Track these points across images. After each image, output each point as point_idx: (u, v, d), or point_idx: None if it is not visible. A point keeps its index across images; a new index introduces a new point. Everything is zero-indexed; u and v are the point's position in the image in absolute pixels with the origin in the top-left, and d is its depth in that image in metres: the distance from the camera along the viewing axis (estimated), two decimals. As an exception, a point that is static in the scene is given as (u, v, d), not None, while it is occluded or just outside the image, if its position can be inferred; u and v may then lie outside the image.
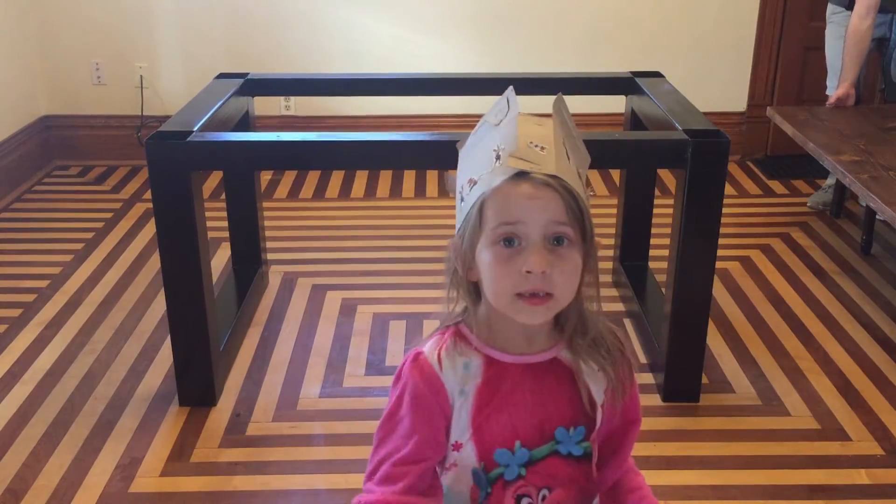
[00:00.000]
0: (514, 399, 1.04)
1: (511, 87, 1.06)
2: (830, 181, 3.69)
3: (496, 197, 0.97)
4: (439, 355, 1.04)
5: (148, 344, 2.65)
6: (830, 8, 3.47)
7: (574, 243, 0.98)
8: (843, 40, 3.27)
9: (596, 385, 1.07)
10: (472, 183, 1.01)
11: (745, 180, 4.07)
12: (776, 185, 3.99)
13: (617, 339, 1.09)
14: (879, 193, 2.35)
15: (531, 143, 0.98)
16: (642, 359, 2.54)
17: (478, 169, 1.02)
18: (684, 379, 2.35)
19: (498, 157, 0.98)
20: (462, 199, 1.03)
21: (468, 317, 1.06)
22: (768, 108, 3.29)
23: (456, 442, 1.05)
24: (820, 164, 2.73)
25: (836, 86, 3.31)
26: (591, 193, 1.08)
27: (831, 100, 3.19)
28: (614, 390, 1.07)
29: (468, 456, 1.04)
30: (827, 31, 3.49)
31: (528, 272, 0.96)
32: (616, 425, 1.11)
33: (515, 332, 1.03)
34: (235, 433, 2.23)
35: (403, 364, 1.07)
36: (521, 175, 0.96)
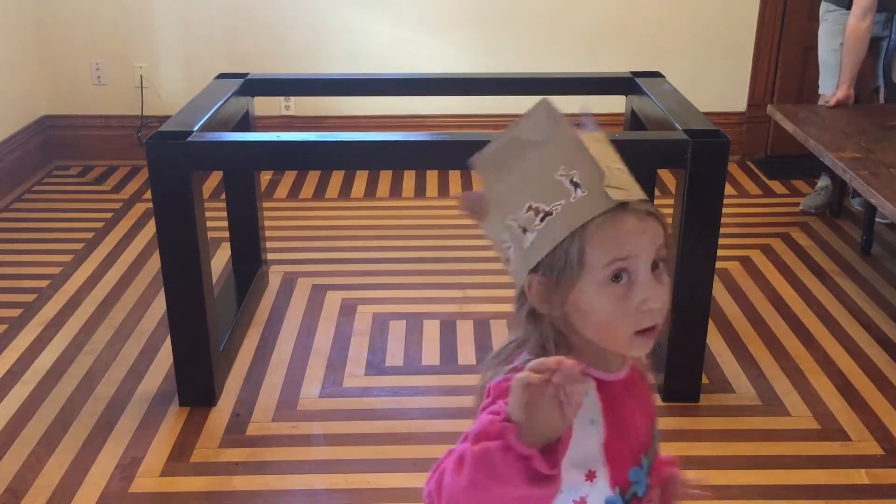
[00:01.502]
0: (631, 416, 1.00)
1: (545, 99, 0.97)
2: (822, 183, 3.69)
3: (602, 234, 0.89)
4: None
5: (148, 344, 2.65)
6: (824, 6, 3.47)
7: (668, 262, 0.95)
8: (837, 39, 3.28)
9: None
10: (540, 213, 0.91)
11: (745, 180, 4.07)
12: (776, 185, 3.99)
13: None
14: (880, 190, 2.35)
15: (610, 165, 0.92)
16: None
17: (544, 196, 0.91)
18: (684, 379, 2.35)
19: (575, 185, 0.90)
20: (524, 230, 0.92)
21: (558, 347, 0.96)
22: (769, 105, 3.29)
23: (589, 471, 0.96)
24: (819, 163, 2.73)
25: (831, 84, 3.32)
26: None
27: (831, 102, 3.19)
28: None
29: (601, 485, 0.97)
30: (820, 30, 3.49)
31: (650, 309, 0.91)
32: None
33: (600, 353, 0.97)
34: (235, 433, 2.23)
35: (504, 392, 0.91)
36: (617, 206, 0.90)
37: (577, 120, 0.97)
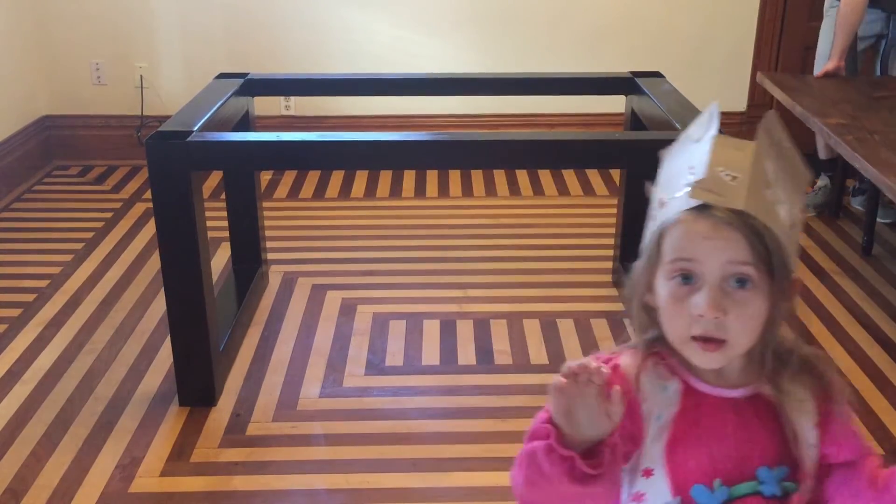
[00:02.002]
0: (715, 434, 0.97)
1: (716, 102, 0.99)
2: (821, 183, 3.69)
3: (674, 230, 0.92)
4: (639, 375, 0.99)
5: (148, 344, 2.65)
6: (828, 2, 3.47)
7: (759, 286, 0.91)
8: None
9: (806, 420, 0.99)
10: (661, 204, 0.96)
11: (745, 180, 4.06)
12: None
13: (824, 366, 1.01)
14: (864, 154, 2.37)
15: (722, 170, 0.91)
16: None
17: (668, 189, 0.96)
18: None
19: (689, 183, 0.92)
20: (652, 218, 0.97)
21: (663, 340, 0.99)
22: (758, 73, 3.31)
23: (647, 468, 0.97)
24: (819, 163, 2.74)
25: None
26: (811, 214, 1.03)
27: (820, 73, 3.22)
28: (827, 421, 1.00)
29: (660, 488, 0.97)
30: (823, 24, 3.50)
31: (700, 316, 0.91)
32: (840, 460, 1.02)
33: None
34: (235, 433, 2.23)
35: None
36: (703, 208, 0.90)
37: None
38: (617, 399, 0.90)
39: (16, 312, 2.83)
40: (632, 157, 2.32)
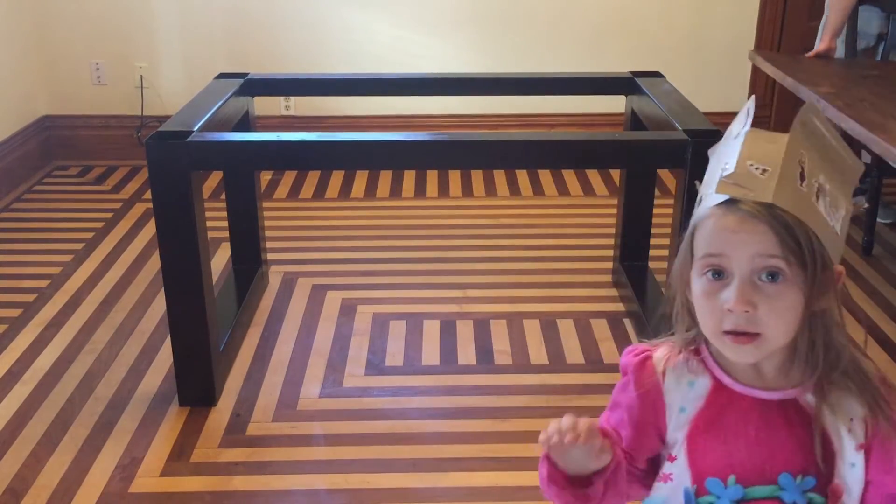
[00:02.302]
0: (735, 431, 0.98)
1: (753, 97, 0.99)
2: None
3: (704, 226, 0.93)
4: (665, 368, 1.01)
5: (148, 344, 2.65)
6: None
7: (791, 279, 0.90)
8: None
9: (849, 438, 0.97)
10: (699, 202, 0.97)
11: (745, 180, 4.06)
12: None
13: (880, 384, 0.98)
14: (853, 116, 2.41)
15: (752, 164, 0.91)
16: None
17: (705, 186, 0.97)
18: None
19: (719, 178, 0.93)
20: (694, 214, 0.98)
21: (702, 335, 1.00)
22: (749, 51, 3.32)
23: (671, 455, 1.01)
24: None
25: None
26: (862, 206, 1.01)
27: (812, 53, 3.24)
28: (877, 446, 0.97)
29: (681, 473, 1.01)
30: (822, 21, 3.50)
31: (731, 310, 0.91)
32: (890, 491, 0.99)
33: (744, 362, 0.98)
34: (235, 433, 2.23)
35: (629, 362, 1.05)
36: (732, 203, 0.91)
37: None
38: (600, 446, 0.96)
39: (16, 312, 2.83)
40: (632, 157, 2.32)
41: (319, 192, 3.95)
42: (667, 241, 2.33)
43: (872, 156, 3.31)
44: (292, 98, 4.24)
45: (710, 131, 2.18)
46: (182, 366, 2.32)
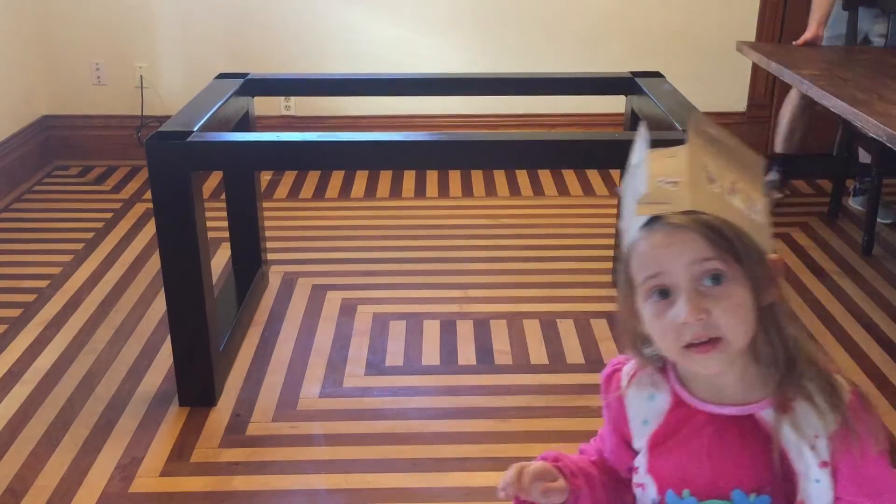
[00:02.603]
0: (689, 446, 0.99)
1: (643, 122, 1.01)
2: (771, 177, 3.68)
3: (636, 252, 0.94)
4: (630, 382, 1.04)
5: (148, 344, 2.65)
6: None
7: (733, 276, 0.90)
8: (831, 29, 3.33)
9: (812, 455, 0.95)
10: (623, 234, 0.98)
11: (745, 180, 4.06)
12: (776, 185, 3.99)
13: (845, 396, 0.96)
14: (835, 92, 2.44)
15: (661, 180, 0.93)
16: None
17: (625, 217, 0.99)
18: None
19: (635, 203, 0.94)
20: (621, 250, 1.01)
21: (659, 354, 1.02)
22: (737, 41, 3.33)
23: (636, 466, 1.05)
24: (817, 163, 2.77)
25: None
26: (775, 196, 1.02)
27: (800, 41, 3.26)
28: (844, 463, 0.96)
29: (648, 484, 1.03)
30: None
31: (685, 323, 0.91)
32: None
33: (703, 378, 0.98)
34: (235, 433, 2.23)
35: (602, 375, 1.09)
36: (654, 221, 0.92)
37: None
38: (548, 488, 1.01)
39: (16, 312, 2.83)
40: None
41: (319, 192, 3.94)
42: (667, 241, 2.34)
43: (872, 156, 3.31)
44: (292, 98, 4.24)
45: (710, 131, 2.18)
46: (182, 366, 2.32)
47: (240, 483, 2.05)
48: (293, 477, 2.07)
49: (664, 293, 0.92)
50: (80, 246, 3.34)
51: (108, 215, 3.65)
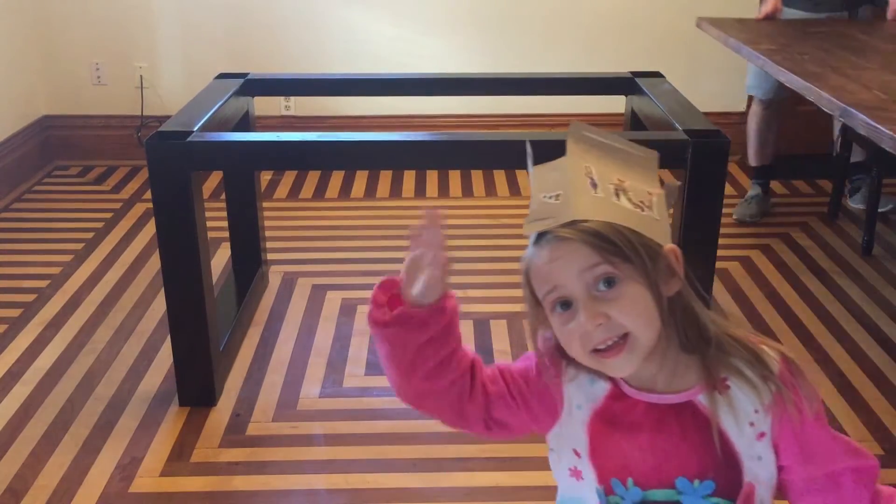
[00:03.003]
0: (629, 435, 0.99)
1: (527, 142, 1.03)
2: (753, 192, 3.66)
3: (531, 269, 0.95)
4: (571, 362, 1.01)
5: (148, 344, 2.65)
6: None
7: (625, 276, 0.91)
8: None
9: (751, 431, 0.96)
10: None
11: (745, 180, 4.07)
12: (776, 185, 3.99)
13: (772, 363, 0.97)
14: (790, 68, 2.44)
15: (544, 196, 0.95)
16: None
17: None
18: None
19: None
20: None
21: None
22: (697, 18, 3.33)
23: (576, 449, 1.02)
24: (815, 168, 2.75)
25: (759, 84, 3.41)
26: (672, 188, 1.03)
27: (760, 15, 3.28)
28: (783, 431, 0.97)
29: (588, 472, 1.01)
30: None
31: (587, 331, 0.92)
32: (805, 476, 0.99)
33: (639, 369, 0.98)
34: (235, 433, 2.23)
35: (548, 339, 1.03)
36: (542, 237, 0.94)
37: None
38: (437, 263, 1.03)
39: (16, 312, 2.83)
40: (632, 157, 2.32)
41: (319, 192, 3.94)
42: (667, 241, 2.34)
43: (870, 153, 3.31)
44: (292, 98, 4.24)
45: (710, 131, 2.18)
46: (182, 366, 2.32)
47: (240, 483, 2.05)
48: (293, 477, 2.07)
49: (565, 304, 0.94)
50: (80, 246, 3.34)
51: (108, 215, 3.65)
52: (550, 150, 1.03)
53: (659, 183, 1.00)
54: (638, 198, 0.95)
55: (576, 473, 1.03)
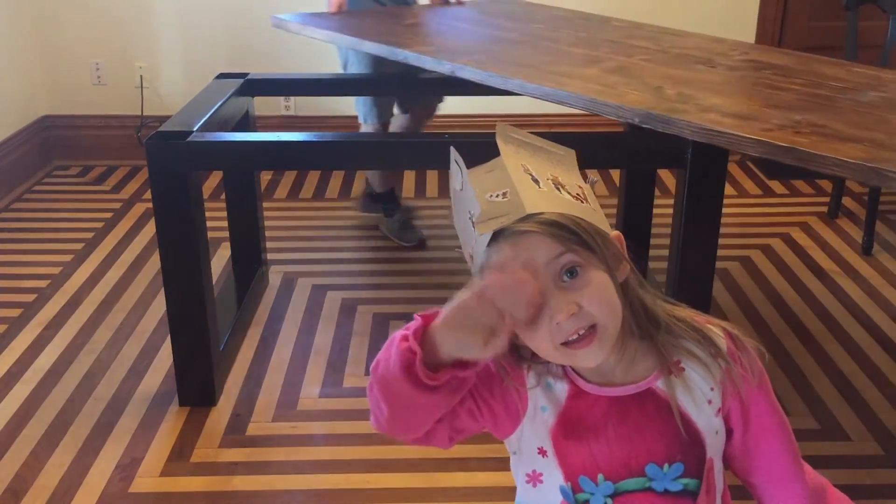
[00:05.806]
0: (595, 432, 0.99)
1: (452, 148, 1.02)
2: (398, 215, 3.44)
3: (490, 271, 0.93)
4: (529, 366, 1.01)
5: (148, 344, 2.65)
6: None
7: (587, 264, 0.92)
8: None
9: (710, 409, 1.00)
10: (472, 259, 0.98)
11: (744, 180, 4.07)
12: (776, 185, 3.99)
13: (717, 338, 1.01)
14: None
15: (490, 195, 0.93)
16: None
17: (468, 243, 0.98)
18: (684, 379, 2.35)
19: (474, 225, 0.94)
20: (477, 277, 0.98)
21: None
22: (271, 17, 2.92)
23: (541, 448, 1.02)
24: (814, 167, 2.70)
25: None
26: (594, 181, 1.05)
27: (332, 9, 3.00)
28: (734, 402, 1.01)
29: (554, 472, 1.01)
30: None
31: (559, 322, 0.91)
32: (749, 440, 1.04)
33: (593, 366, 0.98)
34: (235, 433, 2.23)
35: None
36: (498, 236, 0.92)
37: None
38: (503, 337, 0.87)
39: (16, 312, 2.83)
40: (632, 157, 2.32)
41: (319, 192, 3.94)
42: (667, 241, 2.33)
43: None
44: (292, 98, 4.24)
45: (710, 131, 2.18)
46: (182, 366, 2.32)
47: (240, 483, 2.05)
48: (293, 477, 2.08)
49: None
50: (80, 246, 3.34)
51: (108, 215, 3.65)
52: (474, 153, 1.04)
53: (582, 179, 1.02)
54: (574, 191, 0.97)
55: (533, 479, 1.03)
